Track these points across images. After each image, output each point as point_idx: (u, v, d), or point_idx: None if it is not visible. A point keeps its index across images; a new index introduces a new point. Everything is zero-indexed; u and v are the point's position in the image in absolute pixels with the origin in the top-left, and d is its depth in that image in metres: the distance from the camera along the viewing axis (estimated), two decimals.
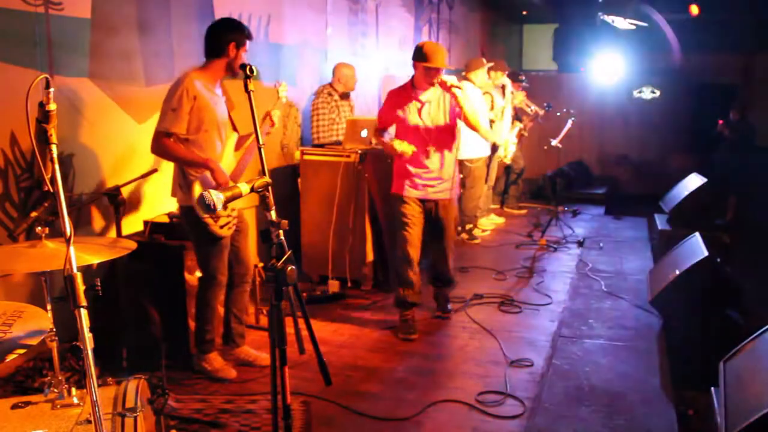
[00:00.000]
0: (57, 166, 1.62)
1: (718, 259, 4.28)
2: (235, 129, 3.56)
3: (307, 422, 3.12)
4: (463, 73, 6.52)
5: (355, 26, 6.95)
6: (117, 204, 3.53)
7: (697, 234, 4.62)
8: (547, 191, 8.94)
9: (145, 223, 3.86)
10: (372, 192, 4.89)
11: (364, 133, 5.11)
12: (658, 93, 10.61)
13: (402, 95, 4.15)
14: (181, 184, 3.37)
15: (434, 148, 4.11)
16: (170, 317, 3.69)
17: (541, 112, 7.63)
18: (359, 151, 4.91)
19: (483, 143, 6.39)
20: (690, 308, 4.10)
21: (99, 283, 2.07)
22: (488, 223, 7.43)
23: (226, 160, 3.49)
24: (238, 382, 3.54)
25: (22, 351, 1.95)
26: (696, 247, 4.38)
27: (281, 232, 2.09)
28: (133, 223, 3.95)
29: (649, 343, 4.17)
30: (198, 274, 3.76)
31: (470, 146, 6.39)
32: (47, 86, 1.65)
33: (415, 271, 4.22)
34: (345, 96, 5.81)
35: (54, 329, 2.11)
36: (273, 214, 2.12)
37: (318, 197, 5.06)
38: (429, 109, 4.08)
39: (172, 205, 3.96)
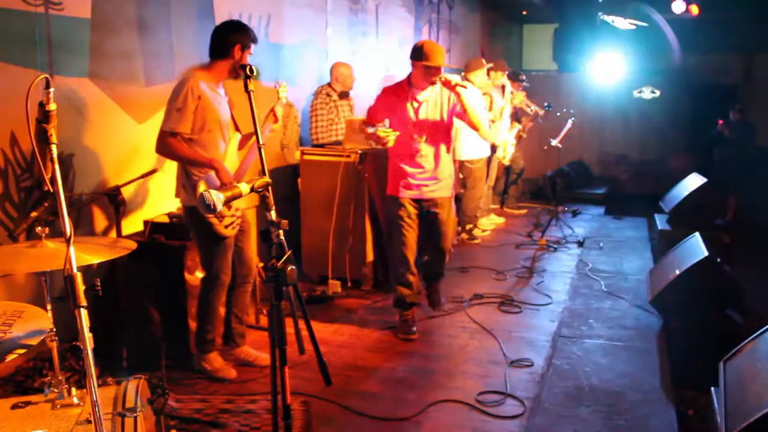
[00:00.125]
0: (57, 166, 1.62)
1: (718, 259, 4.28)
2: (237, 129, 3.56)
3: (307, 422, 3.12)
4: (463, 74, 6.52)
5: (355, 26, 6.95)
6: (117, 204, 3.53)
7: (697, 234, 4.62)
8: (547, 191, 8.94)
9: (145, 223, 3.86)
10: (372, 192, 4.89)
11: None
12: (658, 93, 10.60)
13: (398, 94, 4.07)
14: (185, 184, 3.37)
15: (429, 149, 4.07)
16: (170, 317, 3.69)
17: (541, 112, 7.63)
18: (359, 151, 4.91)
19: (483, 144, 6.39)
20: (690, 308, 4.11)
21: (99, 283, 2.07)
22: (488, 223, 7.43)
23: (230, 159, 3.49)
24: (238, 382, 3.54)
25: (22, 351, 1.95)
26: (696, 247, 4.38)
27: (281, 232, 2.09)
28: (133, 223, 3.95)
29: (649, 343, 4.17)
30: (198, 274, 3.76)
31: (470, 147, 6.40)
32: (47, 86, 1.65)
33: (412, 272, 4.21)
34: (344, 95, 5.80)
35: (54, 329, 2.11)
36: (273, 214, 2.12)
37: (318, 197, 5.06)
38: (426, 108, 4.04)
39: (173, 205, 3.96)
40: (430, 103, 4.05)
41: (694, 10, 9.84)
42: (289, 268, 2.03)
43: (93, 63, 3.66)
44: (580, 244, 6.70)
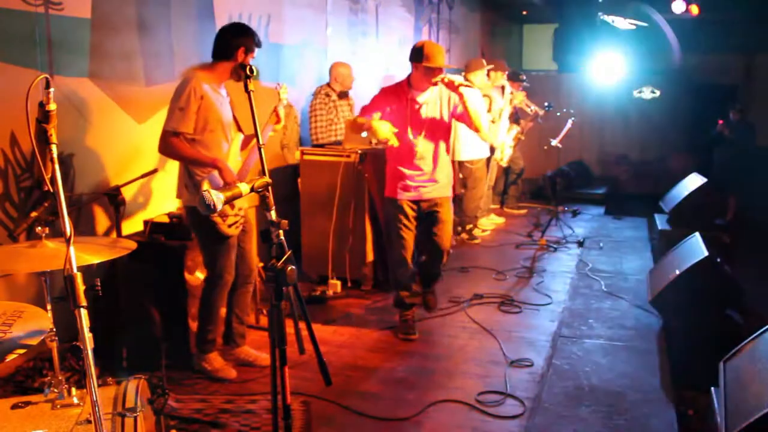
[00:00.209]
0: (57, 166, 1.62)
1: (718, 259, 4.28)
2: (240, 129, 3.56)
3: (307, 422, 3.12)
4: (463, 74, 6.52)
5: (355, 26, 6.95)
6: (117, 204, 3.53)
7: (697, 234, 4.62)
8: (547, 191, 8.93)
9: (145, 222, 3.85)
10: (372, 192, 4.89)
11: (364, 133, 5.11)
12: (658, 93, 10.61)
13: (398, 95, 4.02)
14: (188, 184, 3.37)
15: (428, 150, 4.04)
16: (170, 317, 3.69)
17: (541, 112, 7.63)
18: (359, 151, 4.91)
19: (482, 144, 6.39)
20: (690, 308, 4.10)
21: (99, 283, 2.07)
22: (488, 223, 7.43)
23: (233, 160, 3.49)
24: (238, 382, 3.54)
25: (22, 351, 1.95)
26: (696, 247, 4.38)
27: (281, 232, 2.09)
28: (133, 223, 3.95)
29: (649, 343, 4.17)
30: (198, 274, 3.77)
31: (470, 147, 6.40)
32: (47, 86, 1.65)
33: (412, 272, 4.20)
34: (343, 95, 5.80)
35: (54, 329, 2.12)
36: (273, 214, 2.12)
37: (318, 197, 5.06)
38: (426, 110, 4.01)
39: (173, 205, 3.97)
40: (431, 104, 4.02)
41: (694, 10, 9.85)
42: (289, 268, 2.03)
43: (93, 63, 3.66)
44: (580, 244, 6.70)
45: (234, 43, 3.32)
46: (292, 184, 5.44)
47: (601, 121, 10.70)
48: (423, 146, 4.03)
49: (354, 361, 3.86)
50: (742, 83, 10.43)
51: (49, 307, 2.16)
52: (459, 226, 6.61)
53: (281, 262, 2.04)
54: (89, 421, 1.89)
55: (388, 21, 7.69)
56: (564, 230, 7.17)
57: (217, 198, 1.97)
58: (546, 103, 7.61)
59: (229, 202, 2.02)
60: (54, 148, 1.64)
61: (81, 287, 1.55)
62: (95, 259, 2.16)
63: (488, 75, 6.67)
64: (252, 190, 2.10)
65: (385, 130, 3.89)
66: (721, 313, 4.08)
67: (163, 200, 4.14)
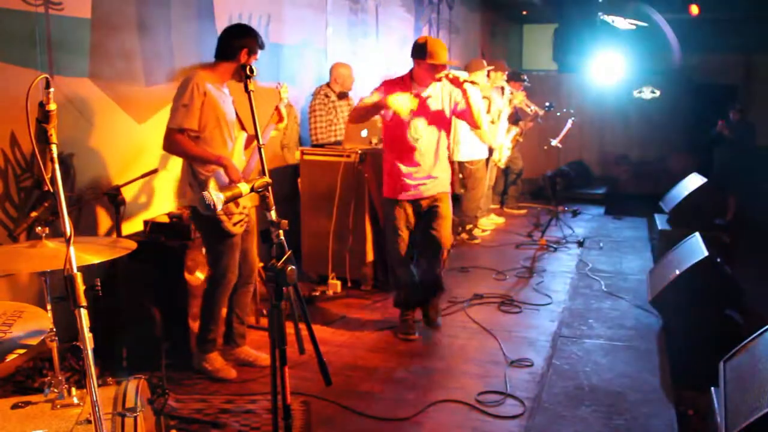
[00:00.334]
0: (57, 166, 1.62)
1: (718, 259, 4.28)
2: (243, 128, 3.56)
3: (307, 422, 3.12)
4: None
5: (355, 26, 6.95)
6: (117, 204, 3.53)
7: (697, 234, 4.62)
8: (547, 191, 8.93)
9: (146, 222, 3.86)
10: (372, 192, 4.89)
11: (364, 133, 5.11)
12: (658, 93, 10.61)
13: (401, 88, 3.93)
14: (192, 183, 3.36)
15: (428, 146, 4.02)
16: (170, 317, 3.69)
17: (541, 112, 7.63)
18: (359, 151, 4.91)
19: (481, 145, 6.39)
20: (690, 308, 4.10)
21: (99, 283, 2.07)
22: (488, 223, 7.43)
23: (236, 158, 3.48)
24: (238, 382, 3.54)
25: (22, 351, 1.95)
26: (696, 247, 4.38)
27: (281, 232, 2.09)
28: (133, 223, 3.95)
29: (649, 343, 4.17)
30: (198, 274, 3.77)
31: (470, 147, 6.40)
32: (47, 86, 1.65)
33: (411, 272, 4.19)
34: (343, 96, 5.80)
35: (54, 329, 2.12)
36: (273, 214, 2.12)
37: (318, 197, 5.06)
38: (428, 105, 3.99)
39: (173, 205, 3.97)
40: (433, 99, 4.01)
41: (694, 10, 9.85)
42: (289, 268, 2.04)
43: (93, 63, 3.66)
44: (580, 244, 6.70)
45: (237, 44, 3.32)
46: (292, 184, 5.44)
47: (601, 121, 10.70)
48: (424, 141, 4.03)
49: (354, 361, 3.86)
50: (742, 83, 10.43)
51: (49, 307, 2.16)
52: (459, 226, 6.61)
53: (281, 262, 2.04)
54: (89, 421, 1.89)
55: (388, 21, 7.69)
56: (564, 230, 7.17)
57: (217, 198, 1.97)
58: (547, 103, 7.61)
59: (229, 202, 2.02)
60: (54, 148, 1.64)
61: (81, 287, 1.55)
62: (95, 259, 2.16)
63: (488, 76, 6.66)
64: (252, 190, 2.10)
65: (403, 100, 3.72)
66: (721, 313, 4.08)
67: (163, 200, 4.14)
